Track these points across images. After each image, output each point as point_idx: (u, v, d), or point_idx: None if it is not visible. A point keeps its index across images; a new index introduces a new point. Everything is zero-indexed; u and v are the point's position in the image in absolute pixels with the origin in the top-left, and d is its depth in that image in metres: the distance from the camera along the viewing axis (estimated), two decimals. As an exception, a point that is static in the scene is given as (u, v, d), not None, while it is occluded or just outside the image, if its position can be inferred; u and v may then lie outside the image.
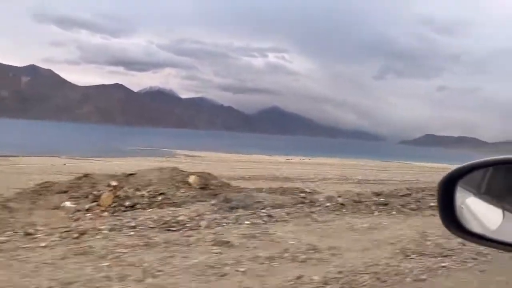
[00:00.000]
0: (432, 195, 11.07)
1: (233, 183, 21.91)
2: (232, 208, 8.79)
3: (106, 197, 9.14)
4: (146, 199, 9.49)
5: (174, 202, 9.46)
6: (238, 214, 8.60)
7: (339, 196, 10.50)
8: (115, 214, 8.66)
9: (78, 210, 8.77)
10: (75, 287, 4.76)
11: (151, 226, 7.58)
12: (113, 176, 11.40)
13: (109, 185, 9.78)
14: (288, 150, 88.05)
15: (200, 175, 11.52)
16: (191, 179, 10.78)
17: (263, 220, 8.29)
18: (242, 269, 5.46)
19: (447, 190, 1.47)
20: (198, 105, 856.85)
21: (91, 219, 8.24)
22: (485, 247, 2.29)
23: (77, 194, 9.72)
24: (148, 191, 9.78)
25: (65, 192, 9.77)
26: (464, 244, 6.36)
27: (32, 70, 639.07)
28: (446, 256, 6.31)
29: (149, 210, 9.01)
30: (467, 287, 5.24)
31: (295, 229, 7.87)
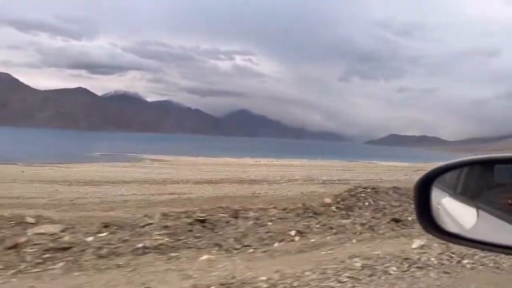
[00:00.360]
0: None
1: (197, 187, 21.72)
2: None
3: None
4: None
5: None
6: None
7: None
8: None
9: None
10: None
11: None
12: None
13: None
14: (256, 152, 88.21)
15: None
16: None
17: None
18: None
19: (423, 191, 1.47)
20: (165, 108, 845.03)
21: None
22: (462, 247, 2.31)
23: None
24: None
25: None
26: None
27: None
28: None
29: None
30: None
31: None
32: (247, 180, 25.66)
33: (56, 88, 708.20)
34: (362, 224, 7.70)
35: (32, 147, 74.23)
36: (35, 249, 5.51)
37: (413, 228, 7.27)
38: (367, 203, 8.83)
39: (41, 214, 7.57)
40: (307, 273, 4.72)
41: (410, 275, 4.80)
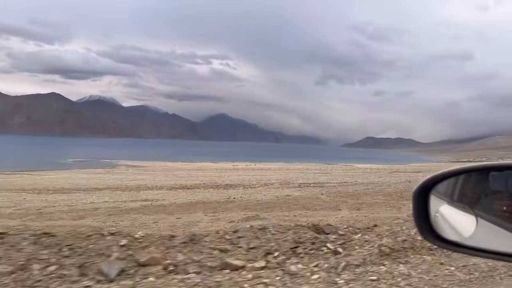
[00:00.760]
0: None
1: (172, 193, 21.37)
2: None
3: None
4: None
5: None
6: None
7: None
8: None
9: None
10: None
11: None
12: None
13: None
14: (234, 156, 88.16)
15: None
16: None
17: None
18: None
19: (421, 199, 1.51)
20: (142, 113, 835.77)
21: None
22: (461, 254, 2.35)
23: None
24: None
25: None
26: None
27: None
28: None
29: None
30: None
31: None
32: (222, 185, 25.52)
33: (28, 93, 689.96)
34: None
35: (2, 154, 71.83)
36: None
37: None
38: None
39: (5, 224, 7.15)
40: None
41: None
